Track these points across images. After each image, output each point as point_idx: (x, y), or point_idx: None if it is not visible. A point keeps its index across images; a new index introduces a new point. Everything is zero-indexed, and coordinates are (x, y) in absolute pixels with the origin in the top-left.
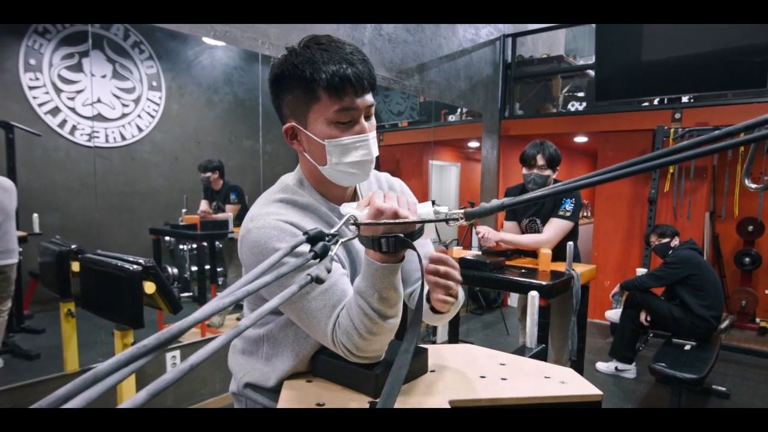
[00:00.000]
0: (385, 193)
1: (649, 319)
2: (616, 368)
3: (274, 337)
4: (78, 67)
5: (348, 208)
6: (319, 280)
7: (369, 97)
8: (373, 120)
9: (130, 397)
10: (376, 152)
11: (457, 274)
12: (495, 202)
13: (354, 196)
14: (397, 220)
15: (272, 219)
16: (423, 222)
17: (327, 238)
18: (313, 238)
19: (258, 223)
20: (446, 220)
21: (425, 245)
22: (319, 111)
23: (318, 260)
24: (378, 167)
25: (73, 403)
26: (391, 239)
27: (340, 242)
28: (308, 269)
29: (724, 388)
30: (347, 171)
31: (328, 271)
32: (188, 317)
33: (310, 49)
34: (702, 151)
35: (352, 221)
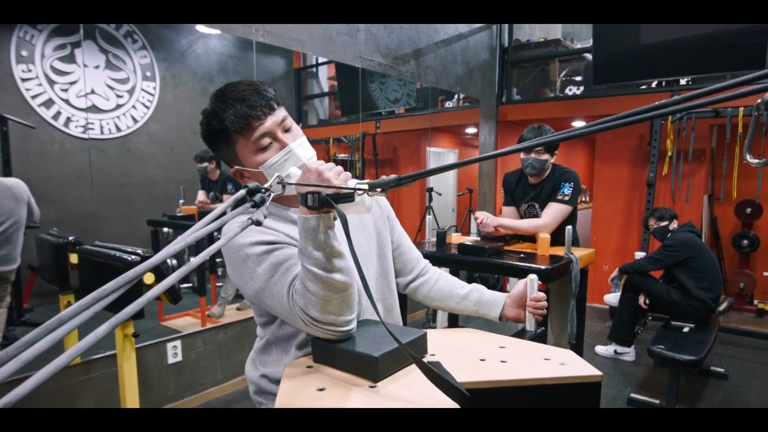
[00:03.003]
0: (327, 164)
1: (647, 302)
2: (615, 351)
3: (277, 338)
4: (70, 58)
5: (294, 170)
6: (258, 223)
7: (276, 115)
8: (295, 128)
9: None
10: (308, 154)
11: (545, 305)
12: (393, 176)
13: None
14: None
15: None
16: (327, 186)
17: (263, 191)
18: (252, 191)
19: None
20: (353, 190)
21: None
22: (243, 148)
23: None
24: (376, 155)
25: (41, 345)
26: (316, 195)
27: (272, 195)
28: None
29: (722, 369)
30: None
31: (265, 217)
32: (144, 262)
33: (213, 104)
34: (697, 104)
35: (278, 181)
